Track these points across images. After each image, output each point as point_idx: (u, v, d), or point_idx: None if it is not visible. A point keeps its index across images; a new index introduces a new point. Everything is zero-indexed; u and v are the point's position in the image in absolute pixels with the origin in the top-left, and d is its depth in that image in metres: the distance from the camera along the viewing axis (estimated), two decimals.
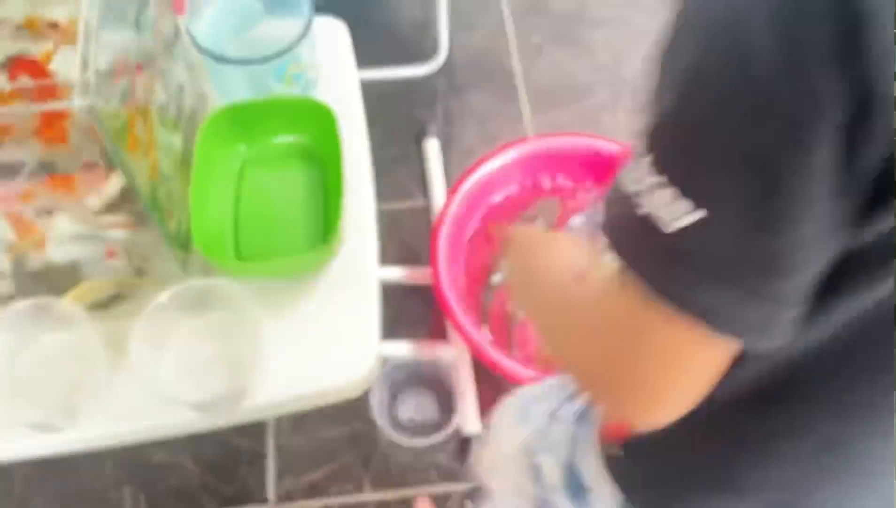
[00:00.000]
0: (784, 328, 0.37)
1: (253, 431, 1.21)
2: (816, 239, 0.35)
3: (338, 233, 0.85)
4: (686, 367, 0.38)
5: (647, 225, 0.36)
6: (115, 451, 1.18)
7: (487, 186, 1.26)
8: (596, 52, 1.58)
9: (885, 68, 0.31)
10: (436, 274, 1.15)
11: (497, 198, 1.29)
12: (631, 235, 0.38)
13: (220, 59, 0.92)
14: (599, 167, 1.26)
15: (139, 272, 0.86)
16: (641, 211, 0.36)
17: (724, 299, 0.36)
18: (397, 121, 1.49)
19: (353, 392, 0.89)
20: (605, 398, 0.44)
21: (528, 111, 1.51)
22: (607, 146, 1.28)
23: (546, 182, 1.30)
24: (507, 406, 0.80)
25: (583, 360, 0.43)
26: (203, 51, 0.92)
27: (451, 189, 1.23)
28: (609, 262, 0.39)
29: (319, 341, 0.89)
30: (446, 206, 1.21)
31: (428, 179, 1.41)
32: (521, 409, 0.75)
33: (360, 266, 0.93)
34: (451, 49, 1.55)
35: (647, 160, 0.36)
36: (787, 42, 0.32)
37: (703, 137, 0.35)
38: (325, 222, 0.93)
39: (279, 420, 1.23)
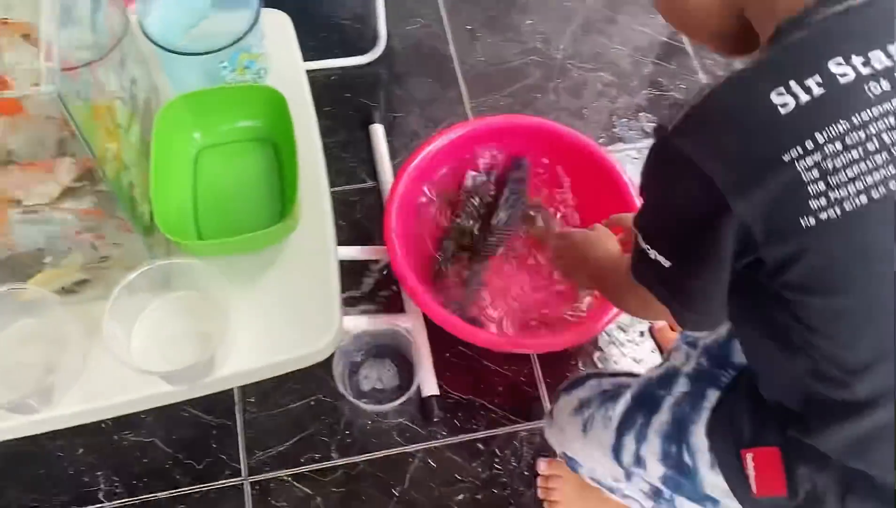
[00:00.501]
0: (706, 323, 0.73)
1: (221, 408, 1.27)
2: (717, 282, 0.62)
3: (296, 206, 0.91)
4: (654, 308, 0.71)
5: (646, 257, 0.66)
6: (87, 436, 1.23)
7: (431, 165, 1.33)
8: (526, 37, 1.67)
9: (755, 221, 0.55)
10: (391, 247, 1.22)
11: (439, 173, 1.36)
12: (637, 257, 0.69)
13: (175, 51, 0.97)
14: (528, 139, 1.36)
15: (104, 258, 0.91)
16: (641, 247, 0.67)
17: (675, 306, 0.68)
18: (343, 109, 1.55)
19: (318, 358, 0.96)
20: (620, 307, 0.95)
21: (466, 95, 1.59)
22: (532, 121, 1.38)
23: (484, 155, 1.38)
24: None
25: (615, 297, 0.91)
26: (157, 44, 0.97)
27: (401, 169, 1.30)
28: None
29: (284, 312, 0.95)
30: (395, 184, 1.28)
31: (376, 163, 1.48)
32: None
33: (318, 240, 1.00)
34: (391, 39, 1.62)
35: (639, 233, 0.67)
36: (701, 205, 0.57)
37: (664, 233, 0.65)
38: (282, 201, 0.99)
39: (246, 396, 1.28)
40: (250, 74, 1.05)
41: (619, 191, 1.28)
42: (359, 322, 1.28)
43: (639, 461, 0.88)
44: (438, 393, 1.28)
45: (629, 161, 1.50)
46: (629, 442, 0.89)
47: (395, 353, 1.32)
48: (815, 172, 0.53)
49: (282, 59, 1.12)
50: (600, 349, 1.35)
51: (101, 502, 1.19)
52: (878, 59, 0.54)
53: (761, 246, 0.56)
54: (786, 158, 0.53)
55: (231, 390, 1.28)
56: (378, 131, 1.50)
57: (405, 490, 1.23)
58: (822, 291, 0.58)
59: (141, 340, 0.90)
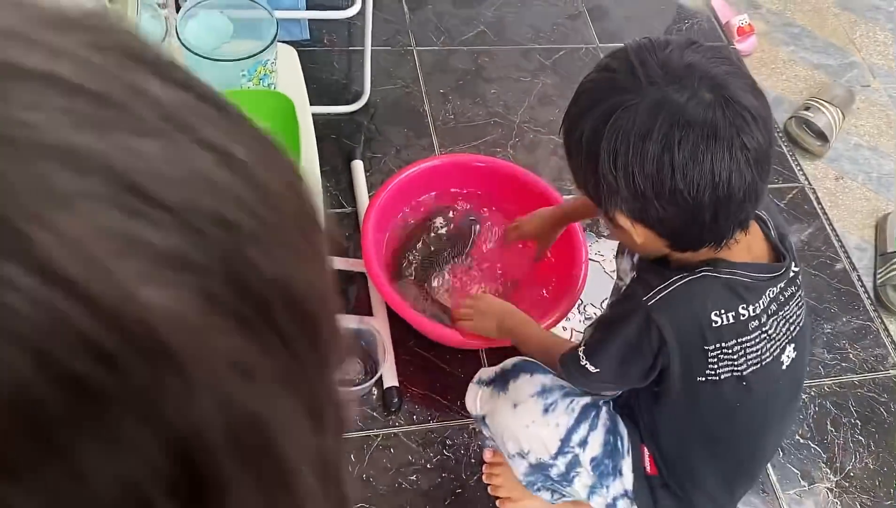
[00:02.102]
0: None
1: None
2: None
3: None
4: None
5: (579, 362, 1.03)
6: None
7: (405, 191, 1.55)
8: (490, 102, 1.93)
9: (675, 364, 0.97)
10: (367, 256, 1.41)
11: (414, 201, 1.58)
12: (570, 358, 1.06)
13: (209, 57, 1.18)
14: (493, 178, 1.59)
15: None
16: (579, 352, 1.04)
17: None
18: (329, 147, 1.76)
19: None
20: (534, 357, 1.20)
21: (437, 144, 1.82)
22: (497, 163, 1.62)
23: (454, 190, 1.60)
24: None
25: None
26: (192, 51, 1.18)
27: (378, 190, 1.51)
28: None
29: None
30: (371, 204, 1.48)
31: (355, 192, 1.68)
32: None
33: None
34: (373, 94, 1.86)
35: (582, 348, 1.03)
36: (654, 353, 0.98)
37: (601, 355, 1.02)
38: None
39: None
40: (263, 87, 1.26)
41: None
42: None
43: (584, 443, 1.10)
44: (398, 385, 1.43)
45: None
46: (582, 429, 1.10)
47: (361, 350, 1.48)
48: (714, 356, 0.95)
49: (288, 84, 1.34)
50: None
51: None
52: (755, 308, 0.93)
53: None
54: (706, 347, 0.94)
55: None
56: (358, 166, 1.71)
57: (363, 468, 1.36)
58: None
59: None
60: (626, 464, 1.11)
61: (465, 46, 2.04)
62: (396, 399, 1.42)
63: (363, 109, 1.84)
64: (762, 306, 0.94)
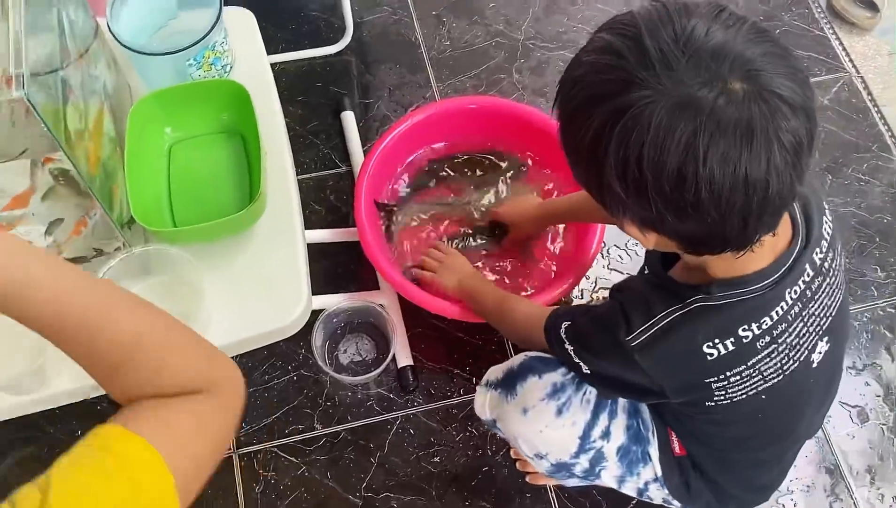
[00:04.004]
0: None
1: None
2: None
3: (261, 192, 0.98)
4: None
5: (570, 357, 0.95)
6: (84, 420, 1.30)
7: (399, 148, 1.40)
8: (490, 20, 1.73)
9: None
10: (360, 228, 1.29)
11: (411, 158, 1.44)
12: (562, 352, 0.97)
13: (142, 52, 1.03)
14: (494, 121, 1.42)
15: (98, 252, 0.98)
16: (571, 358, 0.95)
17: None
18: (315, 98, 1.61)
19: (290, 332, 1.03)
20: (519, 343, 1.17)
21: (433, 78, 1.65)
22: (498, 102, 1.44)
23: (456, 140, 1.45)
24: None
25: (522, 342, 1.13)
26: (126, 46, 1.03)
27: (368, 153, 1.37)
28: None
29: (256, 291, 1.03)
30: (363, 168, 1.34)
31: (348, 148, 1.54)
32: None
33: (285, 223, 1.07)
34: (358, 28, 1.68)
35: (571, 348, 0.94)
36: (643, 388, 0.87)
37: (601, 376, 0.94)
38: (251, 188, 1.06)
39: None
40: (216, 71, 1.12)
41: None
42: (336, 300, 1.35)
43: (606, 434, 1.00)
44: (413, 363, 1.36)
45: None
46: (602, 420, 1.00)
47: (371, 328, 1.39)
48: (720, 386, 0.84)
49: (246, 54, 1.18)
50: None
51: None
52: (765, 323, 0.80)
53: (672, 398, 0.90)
54: (706, 380, 0.84)
55: None
56: (349, 118, 1.56)
57: (385, 455, 1.31)
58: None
59: None
60: (653, 447, 1.02)
61: None
62: (412, 379, 1.35)
63: (348, 47, 1.66)
64: (779, 315, 0.81)
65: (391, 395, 1.35)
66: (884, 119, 1.67)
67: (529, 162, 1.46)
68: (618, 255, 1.49)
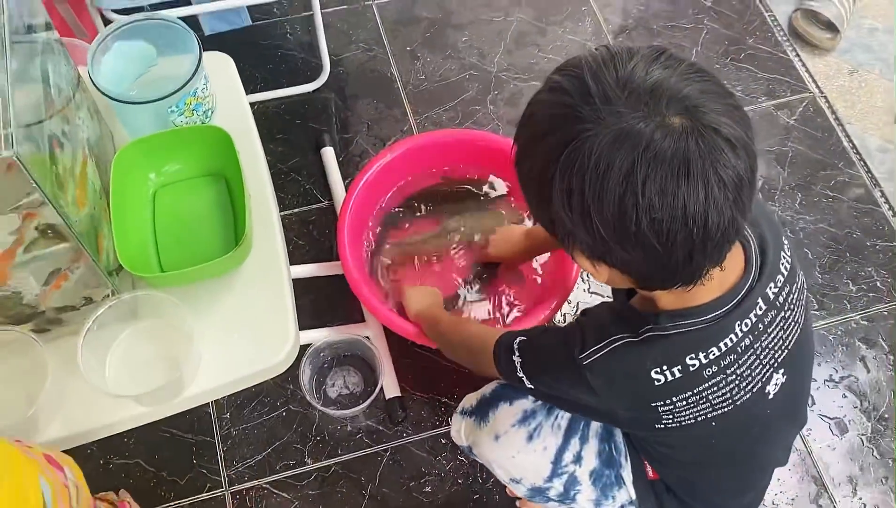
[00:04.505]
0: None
1: (199, 426, 1.35)
2: None
3: (247, 234, 1.00)
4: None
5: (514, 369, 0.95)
6: (76, 461, 1.31)
7: (380, 181, 1.43)
8: (463, 53, 1.77)
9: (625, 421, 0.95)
10: (344, 261, 1.31)
11: (393, 190, 1.46)
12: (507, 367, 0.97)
13: (125, 101, 1.05)
14: (474, 154, 1.46)
15: (88, 300, 0.99)
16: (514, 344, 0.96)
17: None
18: (295, 135, 1.64)
19: (278, 370, 1.05)
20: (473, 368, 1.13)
21: (410, 112, 1.68)
22: (473, 134, 1.49)
23: (433, 171, 1.48)
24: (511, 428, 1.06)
25: (469, 362, 1.14)
26: (108, 95, 1.05)
27: (349, 189, 1.39)
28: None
29: (244, 330, 1.04)
30: (345, 203, 1.37)
31: (329, 182, 1.57)
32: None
33: (271, 262, 1.09)
34: (335, 65, 1.71)
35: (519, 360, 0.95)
36: (590, 405, 0.89)
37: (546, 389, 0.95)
38: (236, 230, 1.08)
39: (221, 412, 1.37)
40: (198, 117, 1.14)
41: None
42: (322, 334, 1.37)
43: (578, 459, 1.02)
44: (401, 394, 1.37)
45: None
46: (574, 444, 1.02)
47: (358, 360, 1.41)
48: (667, 410, 0.86)
49: (227, 98, 1.21)
50: None
51: None
52: (712, 353, 0.82)
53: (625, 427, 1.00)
54: (653, 404, 0.85)
55: (208, 407, 1.37)
56: (329, 154, 1.59)
57: (376, 486, 1.32)
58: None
59: (114, 368, 0.99)
60: (626, 471, 1.04)
61: None
62: (401, 410, 1.36)
63: (326, 84, 1.69)
64: (727, 346, 0.83)
65: (380, 427, 1.36)
66: (848, 136, 1.73)
67: (506, 188, 1.49)
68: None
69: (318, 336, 1.36)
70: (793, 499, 1.34)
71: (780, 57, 1.82)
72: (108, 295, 0.99)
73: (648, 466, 1.04)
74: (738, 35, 1.85)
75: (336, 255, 1.41)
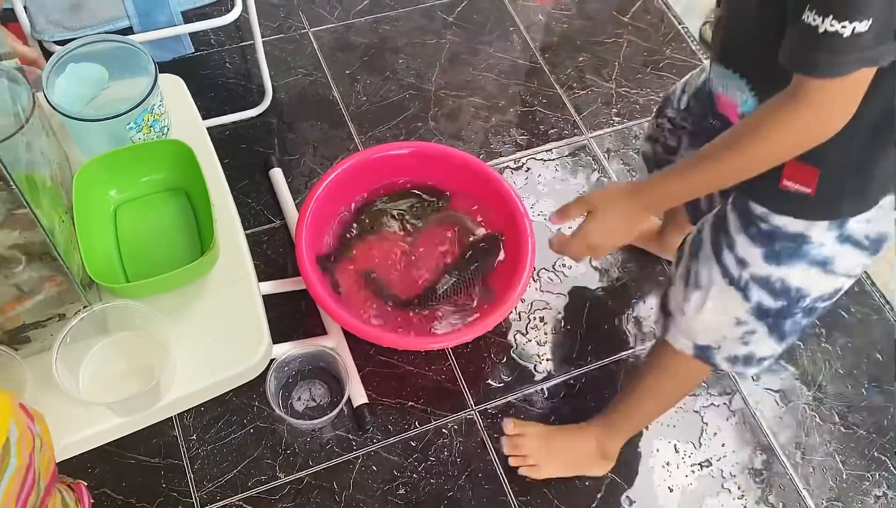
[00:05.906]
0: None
1: (165, 449, 1.33)
2: None
3: (216, 240, 1.01)
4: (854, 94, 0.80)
5: (843, 43, 0.75)
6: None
7: (333, 197, 1.46)
8: (401, 74, 1.83)
9: None
10: (304, 274, 1.33)
11: (346, 205, 1.50)
12: (835, 51, 0.76)
13: (86, 119, 1.06)
14: (417, 164, 1.51)
15: (61, 317, 0.98)
16: (839, 37, 0.74)
17: (880, 55, 0.76)
18: (242, 159, 1.66)
19: (254, 373, 1.06)
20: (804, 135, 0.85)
21: (355, 132, 1.73)
22: (417, 146, 1.54)
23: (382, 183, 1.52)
24: None
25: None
26: (66, 114, 1.06)
27: (303, 206, 1.42)
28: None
29: (218, 336, 1.05)
30: (302, 216, 1.39)
31: (280, 202, 1.59)
32: None
33: (239, 267, 1.10)
34: (277, 91, 1.75)
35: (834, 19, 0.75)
36: None
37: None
38: (200, 241, 1.09)
39: (188, 434, 1.35)
40: (154, 133, 1.16)
41: (504, 200, 1.45)
42: (286, 348, 1.38)
43: (742, 262, 1.02)
44: (368, 402, 1.39)
45: (508, 172, 1.68)
46: (727, 256, 1.03)
47: (322, 372, 1.42)
48: None
49: (181, 116, 1.23)
50: (504, 338, 1.50)
51: None
52: None
53: None
54: None
55: (174, 430, 1.35)
56: (278, 174, 1.62)
57: (350, 494, 1.32)
58: None
59: (88, 381, 0.98)
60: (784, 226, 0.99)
61: (362, 17, 1.92)
62: (368, 417, 1.38)
63: (269, 109, 1.72)
64: None
65: (349, 435, 1.38)
66: None
67: (449, 194, 1.54)
68: (548, 277, 1.58)
69: (281, 351, 1.37)
70: (748, 468, 1.41)
71: (695, 64, 1.95)
72: (79, 311, 0.99)
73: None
74: (656, 46, 1.98)
75: (292, 272, 1.43)
